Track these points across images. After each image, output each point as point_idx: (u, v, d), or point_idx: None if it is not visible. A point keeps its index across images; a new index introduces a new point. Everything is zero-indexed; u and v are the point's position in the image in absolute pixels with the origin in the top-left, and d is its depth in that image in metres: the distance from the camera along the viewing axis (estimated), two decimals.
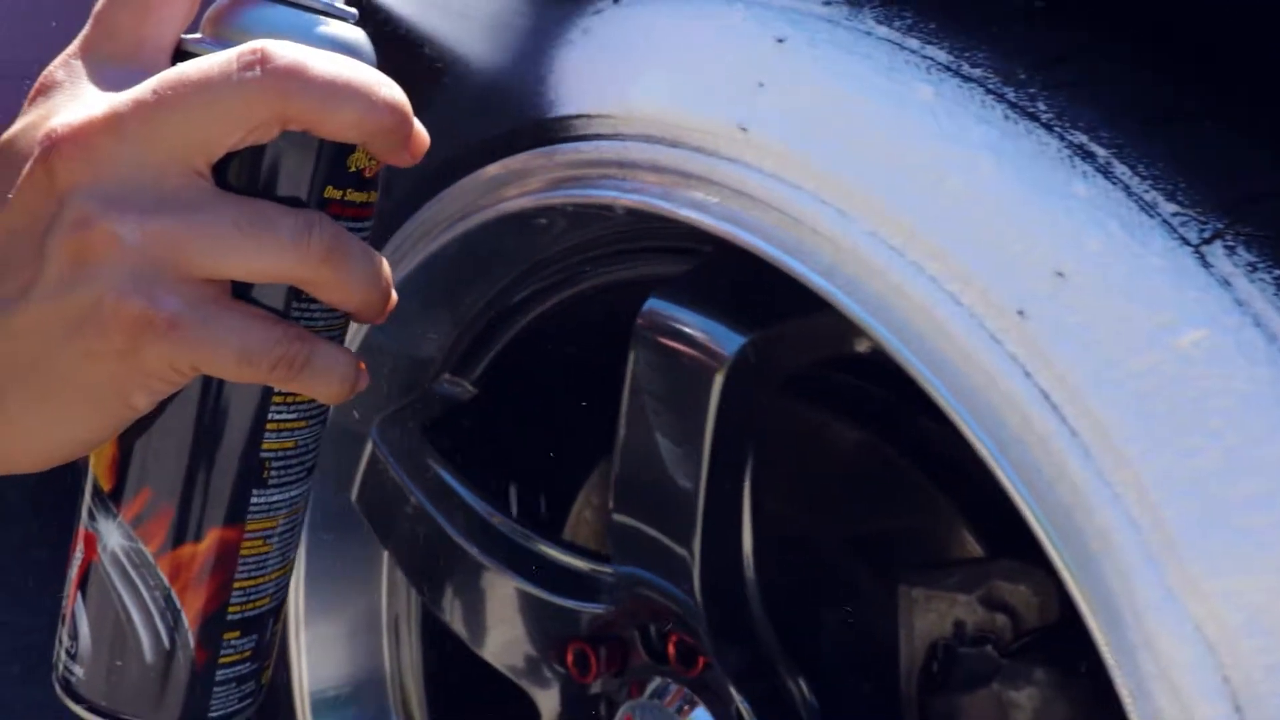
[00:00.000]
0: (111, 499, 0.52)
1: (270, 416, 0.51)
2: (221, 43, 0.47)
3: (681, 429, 0.60)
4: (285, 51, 0.45)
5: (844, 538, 0.71)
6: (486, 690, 0.91)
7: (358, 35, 0.49)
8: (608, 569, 0.72)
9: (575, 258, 0.74)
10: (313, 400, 0.52)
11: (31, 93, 0.49)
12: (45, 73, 0.49)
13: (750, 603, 0.63)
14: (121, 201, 0.45)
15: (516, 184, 0.68)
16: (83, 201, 0.45)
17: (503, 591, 0.75)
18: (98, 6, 0.49)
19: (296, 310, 0.49)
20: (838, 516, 0.71)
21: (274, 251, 0.46)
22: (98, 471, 0.52)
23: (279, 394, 0.51)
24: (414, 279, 0.77)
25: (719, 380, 0.58)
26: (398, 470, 0.78)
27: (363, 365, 0.50)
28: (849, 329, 0.60)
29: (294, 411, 0.52)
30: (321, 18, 0.48)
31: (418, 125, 0.48)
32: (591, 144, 0.63)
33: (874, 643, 0.67)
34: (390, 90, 0.47)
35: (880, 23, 0.53)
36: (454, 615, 0.78)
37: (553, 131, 0.65)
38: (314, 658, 0.89)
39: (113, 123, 0.45)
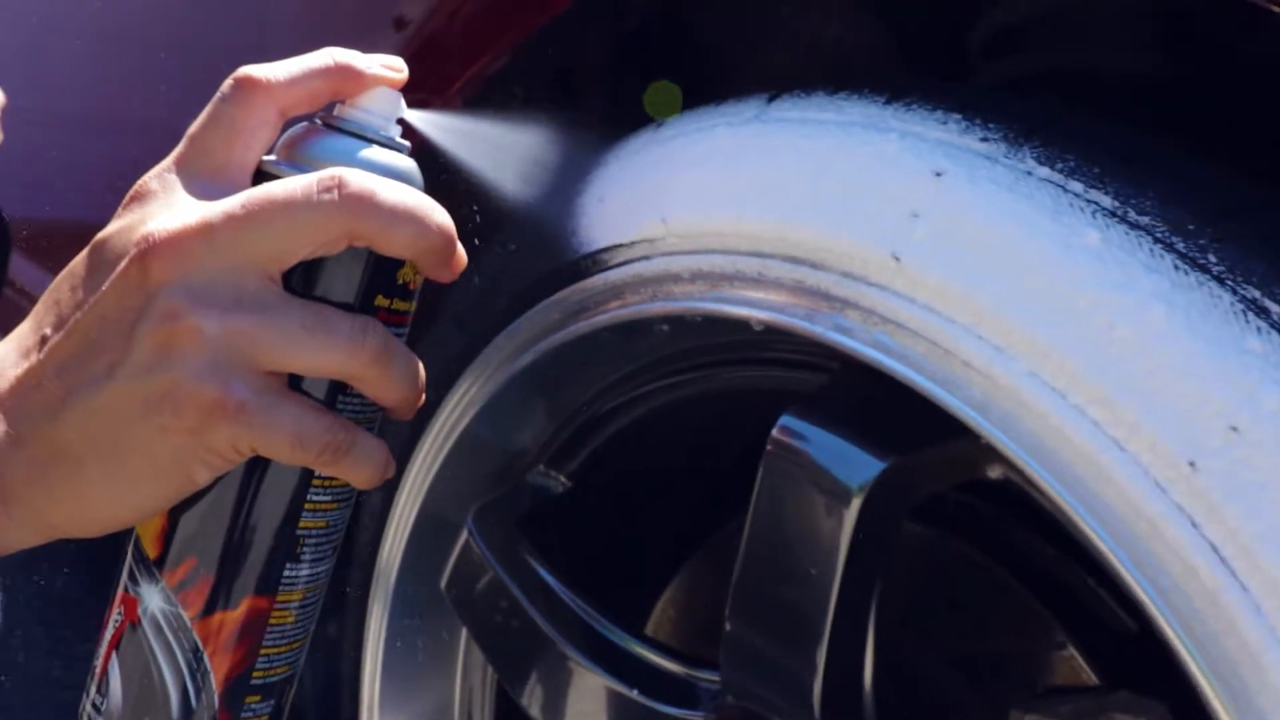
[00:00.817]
0: (156, 565, 0.56)
1: (309, 498, 0.56)
2: (296, 166, 0.54)
3: (813, 551, 0.59)
4: (358, 179, 0.51)
5: (950, 659, 0.70)
6: None
7: (410, 164, 0.56)
8: (708, 675, 0.71)
9: (685, 363, 0.73)
10: (346, 485, 0.57)
11: (126, 199, 0.55)
12: (140, 183, 0.55)
13: None
14: (206, 299, 0.51)
15: (641, 291, 0.68)
16: (172, 297, 0.51)
17: (594, 691, 0.73)
18: (192, 129, 0.55)
19: (341, 402, 0.55)
20: (944, 637, 0.71)
21: (333, 351, 0.52)
22: (145, 539, 0.57)
23: (318, 478, 0.56)
24: (524, 375, 0.77)
25: (855, 504, 0.58)
26: (492, 561, 0.77)
27: (390, 457, 0.56)
28: (982, 456, 0.59)
29: (329, 494, 0.57)
30: (380, 149, 0.55)
31: (459, 247, 0.55)
32: (728, 258, 0.63)
33: None
34: (442, 216, 0.53)
35: (1041, 163, 0.53)
36: (540, 710, 0.76)
37: (685, 241, 0.65)
38: None
39: (205, 232, 0.51)
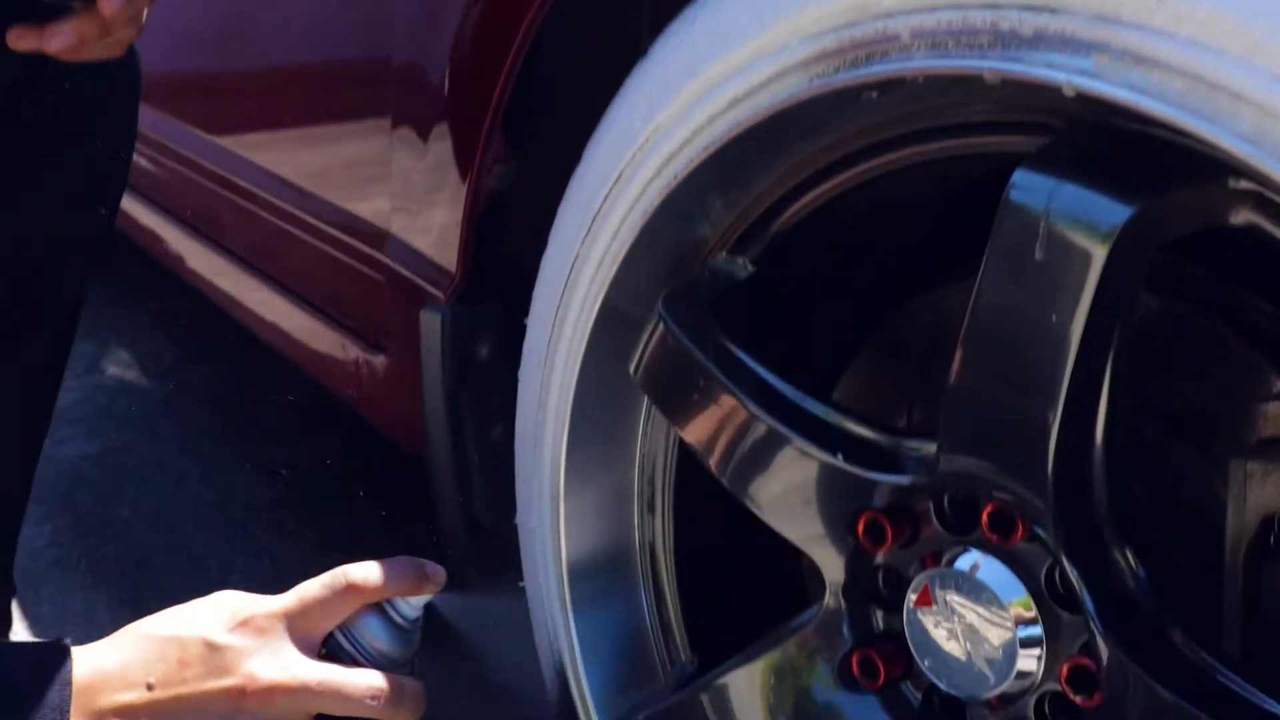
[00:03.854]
0: None
1: None
2: (353, 640, 0.81)
3: (1054, 305, 0.57)
4: (393, 693, 0.79)
5: (1167, 415, 0.68)
6: (738, 565, 0.90)
7: (418, 638, 0.84)
8: (913, 442, 0.70)
9: (887, 134, 0.70)
10: None
11: (243, 619, 0.78)
12: (256, 616, 0.79)
13: (1095, 480, 0.61)
14: None
15: (852, 54, 0.64)
16: None
17: (798, 460, 0.72)
18: (305, 595, 0.80)
19: None
20: (1160, 391, 0.69)
21: None
22: None
23: None
24: (709, 161, 0.74)
25: (1101, 253, 0.55)
26: (688, 343, 0.76)
27: None
28: (1229, 201, 0.57)
29: None
30: (408, 633, 0.83)
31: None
32: (957, 13, 0.59)
33: (1202, 515, 0.65)
34: (421, 705, 0.82)
35: None
36: (739, 482, 0.76)
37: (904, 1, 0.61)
38: (571, 528, 0.88)
39: (288, 691, 0.77)
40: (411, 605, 0.82)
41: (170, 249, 1.81)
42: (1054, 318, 0.57)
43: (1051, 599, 0.65)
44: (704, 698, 0.82)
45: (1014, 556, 0.67)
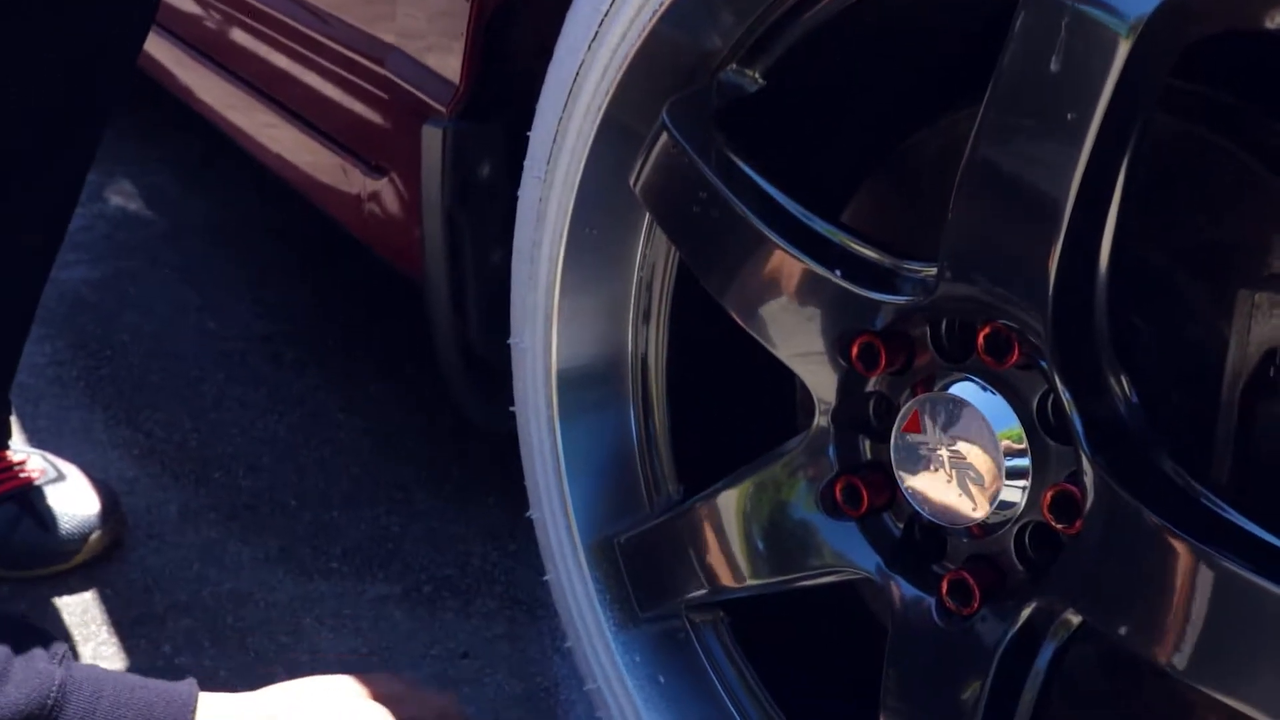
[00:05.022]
0: None
1: None
2: None
3: (1067, 110, 0.54)
4: None
5: (1176, 239, 0.66)
6: (729, 388, 0.89)
7: None
8: (912, 264, 0.68)
9: None
10: None
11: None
12: None
13: (1096, 305, 0.59)
14: None
15: None
16: None
17: (796, 279, 0.70)
18: None
19: None
20: (1170, 217, 0.66)
21: None
22: None
23: None
24: None
25: (1124, 48, 0.52)
26: (692, 153, 0.73)
27: None
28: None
29: None
30: None
31: None
32: None
33: (1203, 345, 0.63)
34: None
35: None
36: (736, 300, 0.74)
37: None
38: (563, 338, 0.86)
39: None
40: None
41: (177, 77, 1.77)
42: (1071, 110, 0.54)
43: (1042, 428, 0.64)
44: (686, 520, 0.81)
45: (1007, 383, 0.65)
